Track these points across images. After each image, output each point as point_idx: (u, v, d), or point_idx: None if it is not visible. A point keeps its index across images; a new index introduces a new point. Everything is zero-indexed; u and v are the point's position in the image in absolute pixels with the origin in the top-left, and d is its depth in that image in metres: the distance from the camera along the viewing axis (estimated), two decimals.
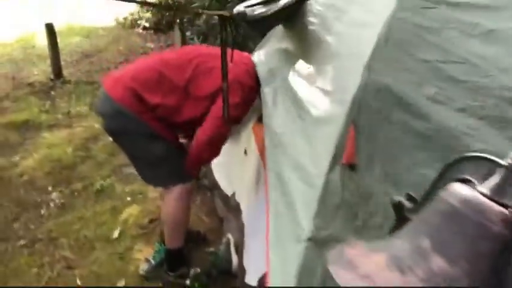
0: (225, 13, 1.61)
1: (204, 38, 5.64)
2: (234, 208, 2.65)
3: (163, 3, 7.58)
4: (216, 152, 2.18)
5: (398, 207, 0.89)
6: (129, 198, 3.08)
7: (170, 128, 2.14)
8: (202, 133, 2.05)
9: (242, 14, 1.67)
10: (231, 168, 2.76)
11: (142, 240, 2.67)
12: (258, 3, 1.73)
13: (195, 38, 5.63)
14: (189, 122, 2.10)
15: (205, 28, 5.83)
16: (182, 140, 2.41)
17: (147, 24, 8.10)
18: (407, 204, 0.88)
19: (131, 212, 2.92)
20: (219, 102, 1.94)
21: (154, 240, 2.60)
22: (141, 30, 7.98)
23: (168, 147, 2.12)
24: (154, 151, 2.09)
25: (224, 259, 2.35)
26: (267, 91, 1.92)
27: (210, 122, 2.02)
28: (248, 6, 1.75)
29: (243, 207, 2.55)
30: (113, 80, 2.09)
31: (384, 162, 1.35)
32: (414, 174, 1.16)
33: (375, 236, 1.20)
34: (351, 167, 1.33)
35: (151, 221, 2.83)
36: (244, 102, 2.06)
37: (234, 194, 2.72)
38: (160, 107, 2.02)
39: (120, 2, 1.27)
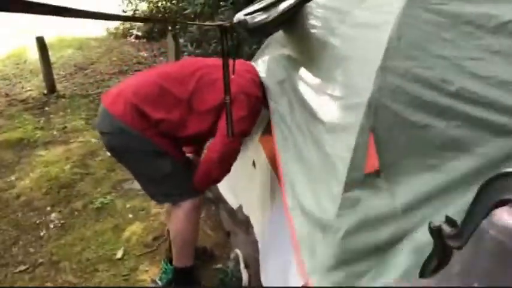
0: (225, 23, 1.52)
1: (198, 45, 5.57)
2: (242, 222, 2.57)
3: (154, 11, 7.53)
4: (227, 170, 2.07)
5: (438, 232, 0.80)
6: (131, 215, 2.98)
7: (175, 143, 2.05)
8: (212, 151, 1.96)
9: (243, 23, 1.59)
10: (237, 181, 2.67)
11: (148, 259, 2.57)
12: (257, 10, 1.65)
13: (189, 45, 5.55)
14: (195, 137, 2.01)
15: (199, 34, 5.76)
16: (189, 155, 2.33)
17: (139, 33, 8.03)
18: (448, 229, 0.79)
19: (134, 229, 2.83)
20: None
21: (160, 259, 2.50)
22: (133, 40, 7.90)
23: (174, 163, 2.03)
24: (160, 168, 2.00)
25: (234, 276, 2.26)
26: (282, 103, 1.84)
27: (220, 139, 1.92)
28: (247, 14, 1.66)
29: (254, 221, 2.47)
30: (112, 95, 1.99)
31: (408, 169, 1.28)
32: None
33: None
34: (376, 173, 1.25)
35: (155, 239, 2.73)
36: (251, 114, 1.98)
37: (240, 207, 2.63)
38: (164, 122, 1.93)
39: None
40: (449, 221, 0.81)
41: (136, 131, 1.91)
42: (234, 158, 2.03)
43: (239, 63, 2.03)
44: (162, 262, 2.39)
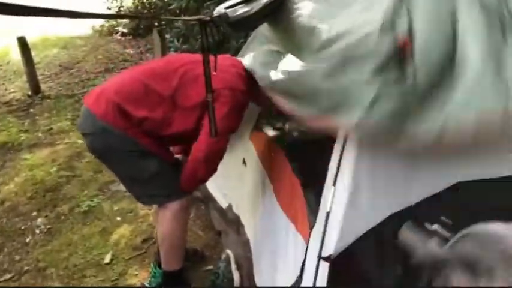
0: (205, 17, 1.44)
1: (185, 40, 5.46)
2: (233, 221, 2.51)
3: (139, 7, 7.41)
4: (213, 169, 2.01)
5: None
6: (118, 218, 2.91)
7: (161, 142, 1.98)
8: (196, 150, 1.89)
9: (224, 16, 1.52)
10: (226, 179, 2.61)
11: (137, 263, 2.51)
12: (238, 3, 1.58)
13: (175, 41, 5.44)
14: (180, 135, 1.94)
15: (185, 30, 5.64)
16: (178, 155, 2.27)
17: (125, 30, 7.89)
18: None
19: (122, 232, 2.76)
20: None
21: (150, 262, 2.44)
22: (119, 37, 7.76)
23: (160, 163, 1.96)
24: (145, 168, 1.94)
25: (225, 277, 2.19)
26: None
27: (204, 137, 1.85)
28: (229, 7, 1.59)
29: (244, 221, 2.41)
30: (94, 95, 1.93)
31: None
32: None
33: None
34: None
35: (144, 241, 2.66)
36: (237, 110, 1.91)
37: (230, 207, 2.57)
38: (147, 120, 1.87)
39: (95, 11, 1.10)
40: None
41: (119, 131, 1.85)
42: (220, 157, 1.96)
43: (224, 58, 1.96)
44: (152, 265, 2.33)
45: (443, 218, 0.82)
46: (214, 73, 1.60)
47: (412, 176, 1.48)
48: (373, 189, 1.45)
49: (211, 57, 1.62)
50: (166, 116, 1.86)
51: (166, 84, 1.87)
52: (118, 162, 1.98)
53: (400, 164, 1.49)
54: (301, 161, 1.98)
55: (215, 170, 2.00)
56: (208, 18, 1.45)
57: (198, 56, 1.99)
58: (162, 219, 2.07)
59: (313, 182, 1.71)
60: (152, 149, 1.92)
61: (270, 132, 2.92)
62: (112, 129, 1.84)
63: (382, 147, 1.45)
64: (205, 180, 2.07)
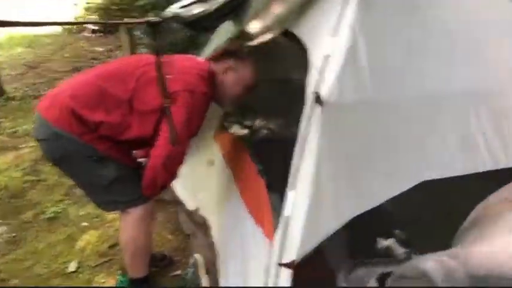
0: (154, 19, 1.38)
1: (154, 37, 5.34)
2: (202, 224, 2.46)
3: (108, 3, 7.23)
4: (173, 175, 1.94)
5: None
6: (85, 223, 2.82)
7: (119, 147, 1.91)
8: (154, 156, 1.82)
9: (176, 17, 1.46)
10: (193, 181, 2.55)
11: (104, 270, 2.42)
12: (193, 2, 1.52)
13: (144, 38, 5.33)
14: (140, 139, 1.87)
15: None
16: (142, 159, 2.19)
17: (95, 27, 7.70)
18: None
19: (88, 238, 2.67)
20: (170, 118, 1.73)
21: (117, 268, 2.37)
22: (88, 34, 7.57)
23: (119, 168, 1.90)
24: (103, 174, 1.87)
25: (193, 283, 2.14)
26: None
27: (162, 142, 1.79)
28: (184, 6, 1.53)
29: (211, 223, 2.36)
30: (48, 100, 1.86)
31: None
32: None
33: None
34: None
35: (111, 247, 2.58)
36: (197, 112, 1.84)
37: (198, 209, 2.52)
38: (104, 125, 1.80)
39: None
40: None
41: (74, 136, 1.78)
42: (180, 162, 1.90)
43: (185, 58, 1.91)
44: (118, 273, 2.27)
45: (397, 231, 0.79)
46: (170, 76, 1.54)
47: (373, 177, 1.47)
48: (335, 192, 1.42)
49: (170, 59, 1.56)
50: (123, 120, 1.79)
51: (122, 87, 1.80)
52: (76, 169, 1.91)
53: (361, 165, 1.48)
54: (267, 162, 1.95)
55: (175, 175, 1.94)
56: (157, 20, 1.39)
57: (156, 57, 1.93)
58: (124, 226, 2.02)
59: (278, 183, 1.67)
60: (111, 154, 1.85)
61: (240, 131, 2.88)
62: (67, 135, 1.78)
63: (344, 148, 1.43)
64: (166, 186, 2.01)
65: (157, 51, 1.45)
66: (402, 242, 0.74)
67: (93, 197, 2.02)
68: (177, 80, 1.65)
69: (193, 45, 4.64)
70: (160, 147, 1.79)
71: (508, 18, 1.80)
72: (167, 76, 1.63)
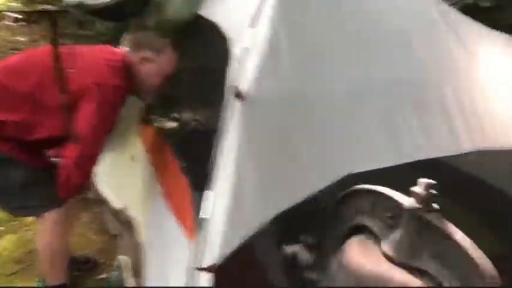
0: (52, 8, 1.27)
1: (80, 25, 5.07)
2: (127, 223, 2.34)
3: None
4: (87, 175, 1.84)
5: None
6: (1, 228, 2.62)
7: (28, 148, 1.76)
8: (66, 156, 1.71)
9: (80, 6, 1.35)
10: (117, 179, 2.43)
11: (20, 277, 2.26)
12: None
13: (70, 27, 5.04)
14: (51, 140, 1.74)
15: (81, 15, 5.24)
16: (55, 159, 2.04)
17: (18, 16, 7.17)
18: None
19: (4, 244, 2.49)
20: (79, 115, 1.61)
21: (35, 275, 2.21)
22: (10, 23, 7.04)
23: (29, 171, 1.76)
24: (12, 178, 1.74)
25: (117, 286, 2.05)
26: None
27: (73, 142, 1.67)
28: None
29: (138, 222, 2.25)
30: None
31: None
32: None
33: None
34: None
35: (30, 252, 2.41)
36: (108, 107, 1.72)
37: (124, 207, 2.40)
38: (6, 124, 1.66)
39: None
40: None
41: None
42: (94, 160, 1.78)
43: (94, 49, 1.78)
44: (35, 281, 2.12)
45: (304, 237, 0.76)
46: (72, 70, 1.42)
47: (298, 170, 1.44)
48: (257, 189, 1.38)
49: (74, 50, 1.45)
50: (28, 118, 1.65)
51: (24, 81, 1.66)
52: None
53: (285, 158, 1.45)
54: (190, 159, 1.88)
55: (90, 175, 1.83)
56: (56, 9, 1.27)
57: (64, 48, 1.78)
58: (39, 231, 1.89)
59: (201, 182, 1.62)
60: (18, 156, 1.71)
61: (168, 124, 2.78)
62: None
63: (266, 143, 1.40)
64: (81, 186, 1.89)
65: (55, 43, 1.33)
66: (309, 248, 0.71)
67: (3, 203, 1.88)
68: (83, 74, 1.53)
69: (122, 35, 4.45)
70: (71, 146, 1.67)
71: (433, 9, 1.84)
72: (70, 70, 1.52)
